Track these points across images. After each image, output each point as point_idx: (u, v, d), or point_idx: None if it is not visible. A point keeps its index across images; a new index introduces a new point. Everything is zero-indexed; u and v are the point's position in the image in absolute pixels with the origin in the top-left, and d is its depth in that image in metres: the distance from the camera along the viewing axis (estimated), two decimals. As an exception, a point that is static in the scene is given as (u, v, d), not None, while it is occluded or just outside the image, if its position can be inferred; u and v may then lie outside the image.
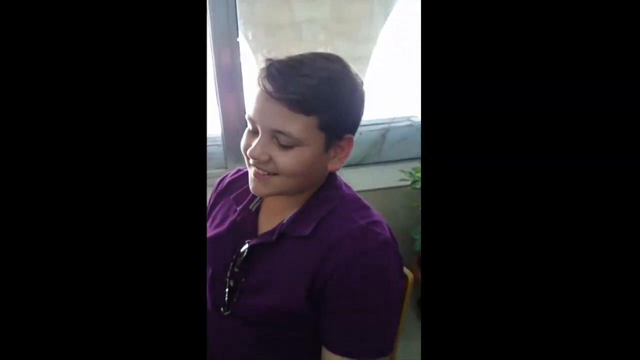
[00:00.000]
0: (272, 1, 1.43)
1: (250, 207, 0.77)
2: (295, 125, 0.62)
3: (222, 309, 0.75)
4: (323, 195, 0.72)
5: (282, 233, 0.70)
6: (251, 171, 0.69)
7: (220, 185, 0.86)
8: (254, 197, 0.76)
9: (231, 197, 0.79)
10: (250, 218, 0.77)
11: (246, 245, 0.73)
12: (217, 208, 0.84)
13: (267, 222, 0.75)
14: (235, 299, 0.73)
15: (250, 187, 0.70)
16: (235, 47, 1.41)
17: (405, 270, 0.78)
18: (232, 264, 0.74)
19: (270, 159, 0.65)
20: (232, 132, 1.49)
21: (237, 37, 1.40)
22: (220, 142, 1.54)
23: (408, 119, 1.70)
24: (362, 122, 0.71)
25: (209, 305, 0.78)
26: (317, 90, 0.62)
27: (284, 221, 0.71)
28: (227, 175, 0.87)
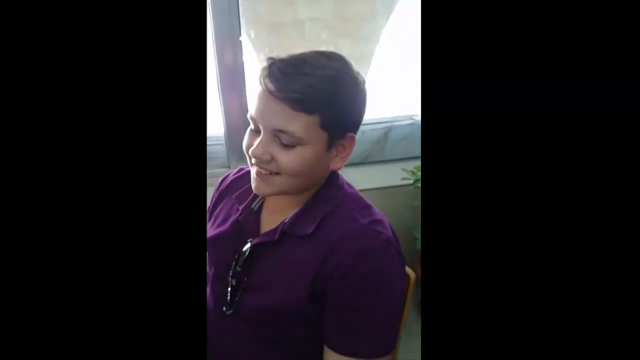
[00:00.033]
0: (275, 0, 1.43)
1: (252, 206, 0.77)
2: (297, 124, 0.62)
3: (224, 308, 0.75)
4: (325, 194, 0.72)
5: (284, 232, 0.70)
6: (253, 170, 0.69)
7: (223, 184, 0.86)
8: (256, 196, 0.76)
9: (233, 196, 0.80)
10: (252, 217, 0.77)
11: (248, 244, 0.73)
12: (219, 207, 0.84)
13: (269, 221, 0.75)
14: (237, 298, 0.73)
15: (253, 186, 0.70)
16: (237, 46, 1.41)
17: (407, 269, 0.78)
18: (234, 263, 0.74)
19: (273, 159, 0.65)
20: (234, 131, 1.49)
21: (240, 36, 1.40)
22: (222, 141, 1.54)
23: (411, 117, 1.69)
24: (364, 121, 0.70)
25: (211, 304, 0.78)
26: (319, 89, 0.62)
27: (286, 220, 0.71)
28: (229, 174, 0.88)
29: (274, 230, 0.71)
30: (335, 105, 0.63)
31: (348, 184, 0.76)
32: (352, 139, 0.69)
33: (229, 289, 0.74)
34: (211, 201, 0.87)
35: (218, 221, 0.81)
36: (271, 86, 0.62)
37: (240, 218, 0.77)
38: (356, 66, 0.67)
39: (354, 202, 0.73)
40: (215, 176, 0.92)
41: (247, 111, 0.67)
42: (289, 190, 0.69)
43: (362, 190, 0.77)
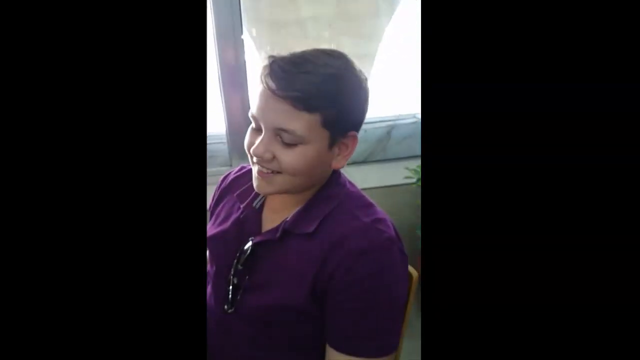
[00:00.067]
0: (277, -2, 1.43)
1: (254, 204, 0.77)
2: (299, 123, 0.62)
3: (225, 306, 0.75)
4: (327, 193, 0.72)
5: (285, 230, 0.70)
6: (255, 169, 0.68)
7: (224, 183, 0.86)
8: (257, 194, 0.76)
9: (235, 194, 0.79)
10: (253, 215, 0.76)
11: (250, 243, 0.73)
12: (221, 205, 0.84)
13: (271, 219, 0.75)
14: (238, 297, 0.73)
15: (254, 185, 0.70)
16: (239, 45, 1.41)
17: (410, 268, 0.78)
18: (235, 261, 0.74)
19: (274, 157, 0.65)
20: (236, 130, 1.49)
21: (241, 34, 1.39)
22: (224, 140, 1.54)
23: (413, 116, 1.69)
24: (367, 119, 0.70)
25: (212, 303, 0.78)
26: (320, 87, 0.61)
27: (288, 219, 0.71)
28: (230, 173, 0.87)
29: (276, 229, 0.71)
30: (337, 104, 0.63)
31: (350, 183, 0.76)
32: (354, 138, 0.69)
33: (231, 287, 0.74)
34: (213, 199, 0.87)
35: (219, 219, 0.81)
36: (272, 84, 0.61)
37: (241, 216, 0.77)
38: (359, 64, 0.67)
39: (356, 200, 0.73)
40: (218, 175, 0.92)
41: (249, 110, 0.67)
42: (290, 190, 0.69)
43: (364, 189, 0.77)
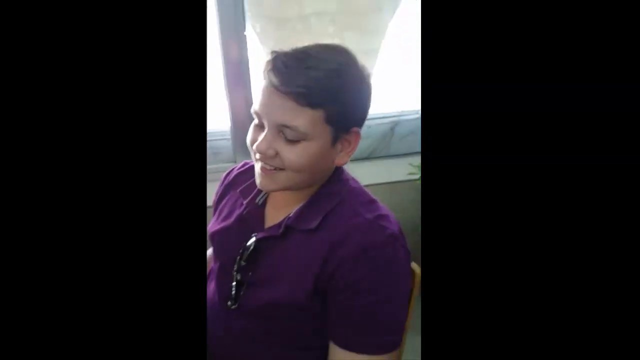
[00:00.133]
0: (280, -6, 1.42)
1: (257, 200, 0.77)
2: (302, 119, 0.62)
3: (229, 302, 0.75)
4: (329, 189, 0.72)
5: (288, 226, 0.70)
6: (258, 166, 0.68)
7: (227, 179, 0.86)
8: (260, 190, 0.76)
9: (238, 190, 0.79)
10: (256, 211, 0.77)
11: (253, 239, 0.73)
12: (224, 201, 0.84)
13: (274, 215, 0.75)
14: (242, 293, 0.74)
15: (257, 182, 0.70)
16: (243, 41, 1.40)
17: (413, 264, 0.78)
18: (239, 257, 0.74)
19: (277, 154, 0.65)
20: (240, 126, 1.49)
21: (245, 30, 1.39)
22: (228, 136, 1.54)
23: (417, 112, 1.68)
24: (370, 115, 0.70)
25: (215, 299, 0.78)
26: (324, 83, 0.61)
27: (290, 215, 0.71)
28: (233, 169, 0.87)
29: (279, 225, 0.71)
30: (340, 100, 0.63)
31: (353, 179, 0.76)
32: (358, 134, 0.69)
33: (234, 283, 0.74)
34: (216, 195, 0.87)
35: (223, 215, 0.81)
36: (275, 80, 0.61)
37: (244, 212, 0.77)
38: (362, 60, 0.67)
39: (359, 197, 0.72)
40: (221, 171, 0.92)
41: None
42: (293, 186, 0.69)
43: (367, 186, 0.77)
